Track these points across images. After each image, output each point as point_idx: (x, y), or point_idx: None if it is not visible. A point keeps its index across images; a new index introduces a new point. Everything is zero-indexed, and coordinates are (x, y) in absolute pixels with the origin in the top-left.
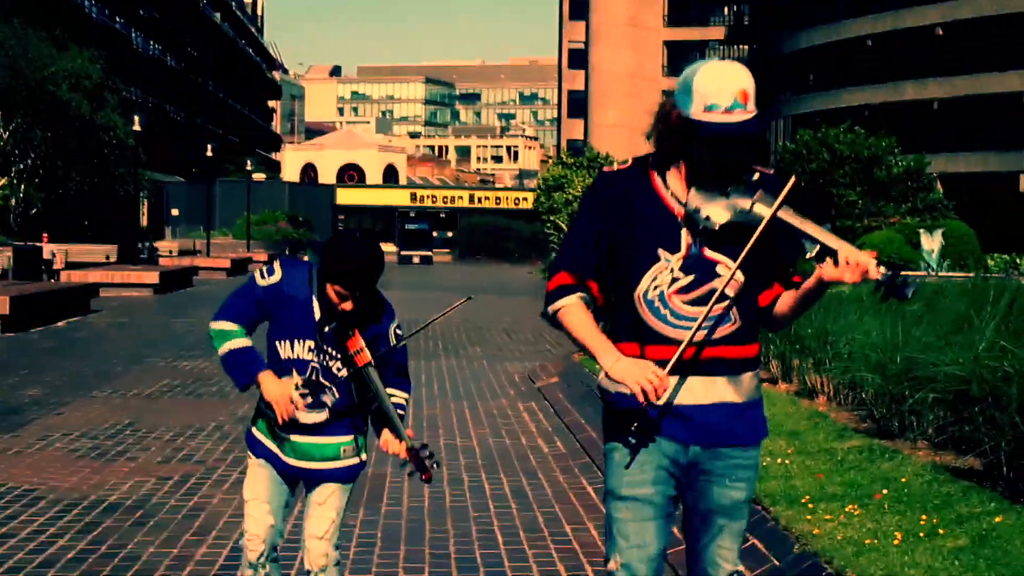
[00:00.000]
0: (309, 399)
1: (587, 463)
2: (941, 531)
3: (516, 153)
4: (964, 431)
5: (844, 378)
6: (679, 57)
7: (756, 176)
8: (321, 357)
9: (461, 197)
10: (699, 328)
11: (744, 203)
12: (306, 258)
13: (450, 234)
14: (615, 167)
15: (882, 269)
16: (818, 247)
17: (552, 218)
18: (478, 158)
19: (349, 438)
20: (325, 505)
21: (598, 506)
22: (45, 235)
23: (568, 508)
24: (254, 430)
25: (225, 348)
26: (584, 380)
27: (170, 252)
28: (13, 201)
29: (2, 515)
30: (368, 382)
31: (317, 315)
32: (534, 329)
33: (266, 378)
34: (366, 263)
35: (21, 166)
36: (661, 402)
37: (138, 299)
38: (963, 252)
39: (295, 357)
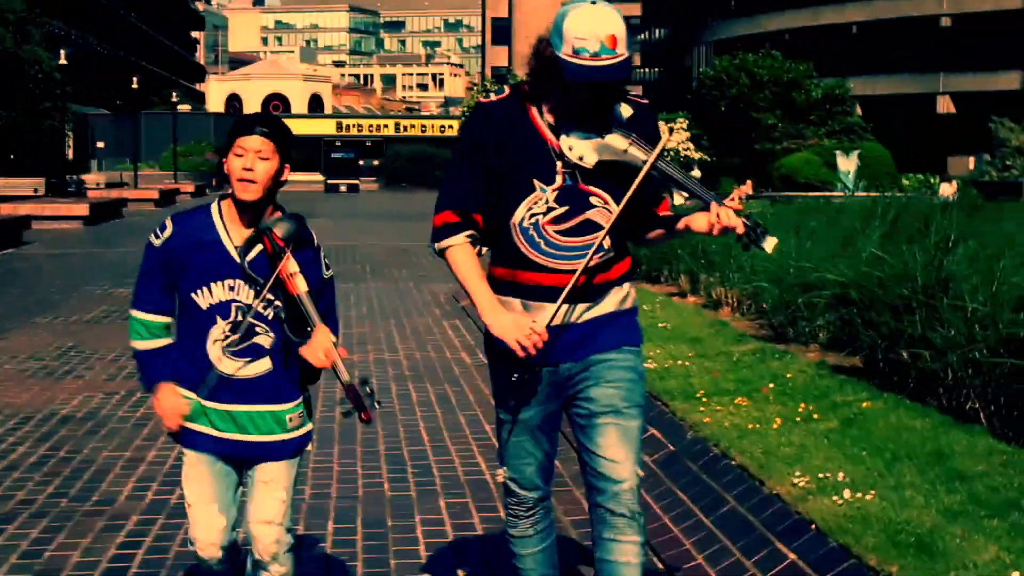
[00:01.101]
0: (238, 345)
1: None
2: (816, 416)
3: (441, 81)
4: (847, 332)
5: (746, 289)
6: None
7: (629, 112)
8: (244, 293)
9: (387, 126)
10: (585, 264)
11: (618, 143)
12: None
13: (376, 163)
14: (492, 97)
15: (744, 221)
16: (686, 195)
17: None
18: (404, 86)
19: (295, 403)
20: (272, 484)
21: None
22: None
23: (488, 411)
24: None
25: (137, 345)
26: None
27: (97, 184)
28: None
29: None
30: (304, 313)
31: (232, 250)
32: None
33: (163, 391)
34: (261, 115)
35: None
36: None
37: (69, 231)
38: (879, 173)
39: (215, 302)
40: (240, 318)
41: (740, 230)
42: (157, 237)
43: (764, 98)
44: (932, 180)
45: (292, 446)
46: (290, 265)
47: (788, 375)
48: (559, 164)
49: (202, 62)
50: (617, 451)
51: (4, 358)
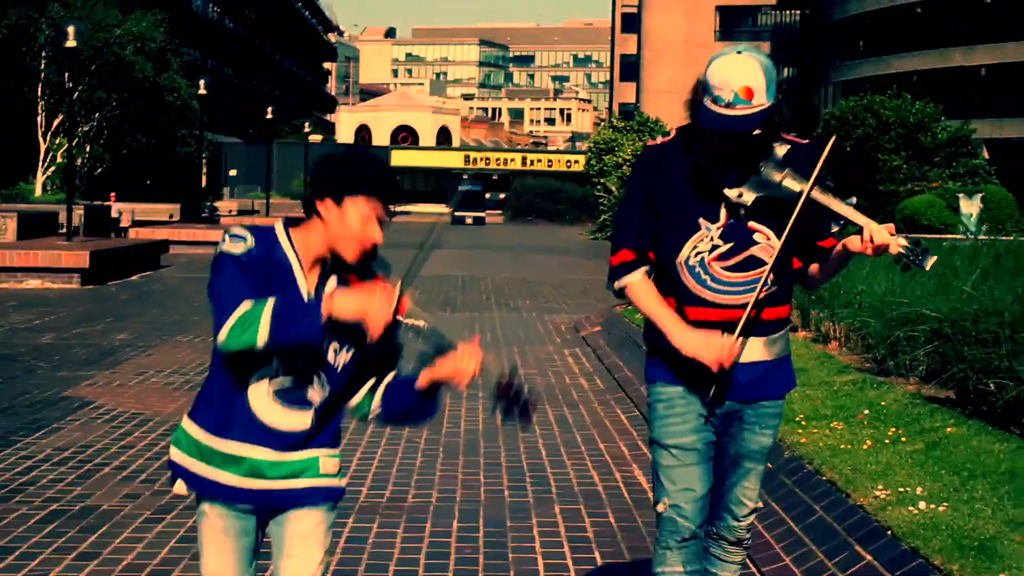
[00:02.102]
0: (289, 392)
1: (622, 396)
2: (904, 439)
3: (569, 116)
4: (941, 365)
5: (852, 324)
6: (731, 22)
7: (786, 149)
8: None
9: (513, 159)
10: (756, 298)
11: (774, 176)
12: None
13: (502, 196)
14: (659, 140)
15: (902, 242)
16: (843, 223)
17: (602, 180)
18: (531, 120)
19: (334, 450)
20: (310, 538)
21: (629, 430)
22: (112, 194)
23: (603, 431)
24: (183, 457)
25: (263, 323)
26: (624, 329)
27: (230, 212)
28: (79, 161)
29: (120, 432)
30: (414, 332)
31: (304, 284)
32: (580, 285)
33: (338, 298)
34: (389, 168)
35: (88, 127)
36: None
37: (204, 255)
38: (1002, 216)
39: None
40: (301, 364)
41: (894, 250)
42: (235, 245)
43: (890, 139)
44: None
45: (332, 493)
46: (393, 292)
47: (883, 403)
48: (723, 202)
49: (333, 93)
50: (750, 492)
51: (150, 372)
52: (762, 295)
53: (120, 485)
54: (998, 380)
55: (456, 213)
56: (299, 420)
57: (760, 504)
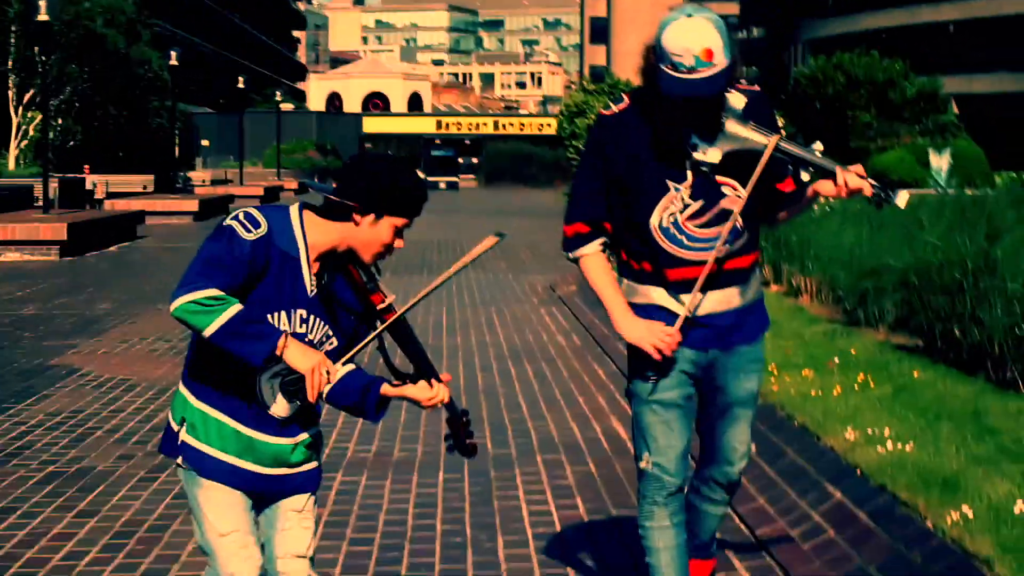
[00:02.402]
0: (297, 386)
1: (599, 352)
2: (872, 385)
3: (540, 79)
4: (908, 313)
5: (823, 277)
6: None
7: (743, 101)
8: (313, 328)
9: (486, 124)
10: (717, 251)
11: (738, 131)
12: (335, 184)
13: (475, 160)
14: (613, 109)
15: (872, 183)
16: (813, 169)
17: (575, 143)
18: (502, 85)
19: (306, 436)
20: (303, 513)
21: (606, 384)
22: (87, 167)
23: (581, 385)
24: (191, 440)
25: (222, 319)
26: None
27: (203, 182)
28: (51, 134)
29: (109, 397)
30: (403, 337)
31: (308, 276)
32: (555, 247)
33: (292, 345)
34: (424, 184)
35: (59, 100)
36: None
37: (180, 225)
38: (972, 171)
39: (290, 332)
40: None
41: (868, 191)
42: (248, 231)
43: (859, 97)
44: None
45: (317, 477)
46: (384, 293)
47: (853, 351)
48: (687, 161)
49: (303, 61)
50: (743, 438)
51: (135, 339)
52: (723, 251)
53: (113, 447)
54: (962, 327)
55: (429, 178)
56: (295, 405)
57: (752, 447)
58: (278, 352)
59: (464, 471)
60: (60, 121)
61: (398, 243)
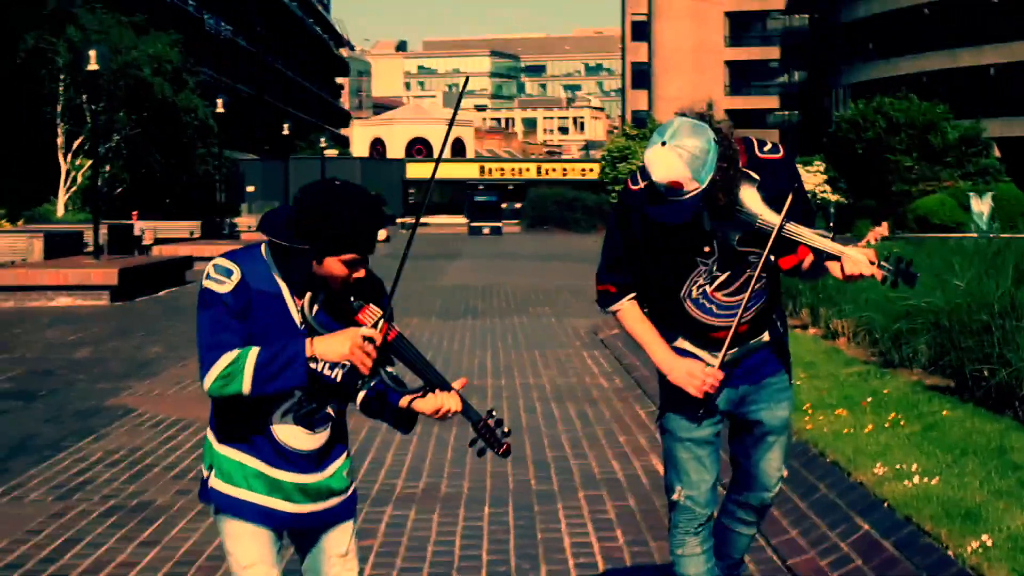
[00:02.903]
0: (313, 415)
1: (639, 394)
2: (903, 423)
3: (582, 124)
4: (940, 354)
5: (859, 320)
6: (741, 27)
7: (753, 186)
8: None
9: (528, 169)
10: (738, 319)
11: (751, 206)
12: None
13: (518, 205)
14: (639, 184)
15: (885, 264)
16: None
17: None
18: (544, 130)
19: (344, 458)
20: (347, 557)
21: (646, 424)
22: (135, 212)
23: (622, 425)
24: (219, 484)
25: (247, 377)
26: None
27: (249, 227)
28: (99, 181)
29: (165, 436)
30: (404, 352)
31: (294, 310)
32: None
33: (319, 343)
34: (371, 212)
35: (107, 147)
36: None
37: None
38: (1013, 213)
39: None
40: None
41: (878, 276)
42: (221, 283)
43: (900, 140)
44: None
45: (353, 503)
46: (372, 312)
47: (886, 391)
48: (706, 248)
49: (347, 107)
50: (777, 464)
51: (187, 380)
52: (748, 316)
53: (171, 483)
54: (990, 366)
55: (473, 224)
56: (321, 437)
57: (786, 473)
58: (311, 356)
59: (509, 506)
60: (108, 168)
61: (357, 273)
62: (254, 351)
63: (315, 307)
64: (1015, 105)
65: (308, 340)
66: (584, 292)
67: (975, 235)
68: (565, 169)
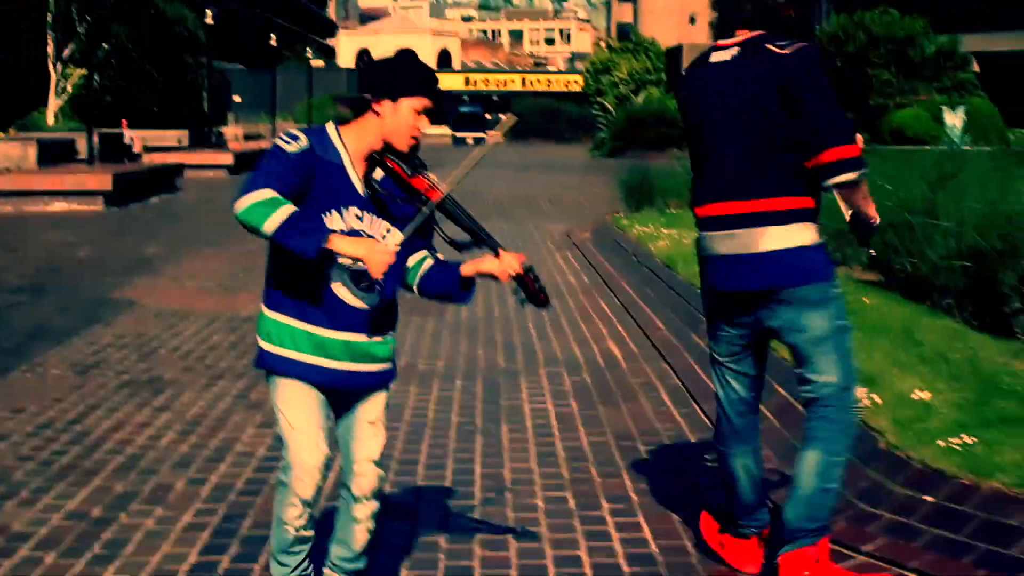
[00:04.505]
0: (361, 279)
1: (605, 290)
2: None
3: (569, 36)
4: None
5: None
6: None
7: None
8: (368, 224)
9: (513, 80)
10: None
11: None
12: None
13: (503, 116)
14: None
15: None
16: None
17: (599, 100)
18: (531, 41)
19: (392, 334)
20: (377, 423)
21: (608, 315)
22: (124, 121)
23: (586, 315)
24: (267, 346)
25: (278, 215)
26: (611, 235)
27: (235, 136)
28: (94, 87)
29: (168, 323)
30: (455, 213)
31: (356, 178)
32: (574, 199)
33: (339, 239)
34: (433, 72)
35: (98, 57)
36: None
37: (216, 179)
38: (986, 128)
39: (346, 229)
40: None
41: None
42: (288, 143)
43: (879, 55)
44: None
45: (388, 376)
46: (426, 178)
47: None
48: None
49: (333, 17)
50: (819, 364)
51: (184, 278)
52: None
53: (177, 361)
54: (911, 261)
55: (457, 134)
56: (370, 300)
57: (834, 379)
58: (328, 246)
59: (478, 379)
60: (98, 77)
61: (423, 124)
62: (292, 206)
63: (378, 176)
64: (994, 20)
65: (333, 233)
66: (561, 200)
67: (946, 148)
68: (550, 81)
